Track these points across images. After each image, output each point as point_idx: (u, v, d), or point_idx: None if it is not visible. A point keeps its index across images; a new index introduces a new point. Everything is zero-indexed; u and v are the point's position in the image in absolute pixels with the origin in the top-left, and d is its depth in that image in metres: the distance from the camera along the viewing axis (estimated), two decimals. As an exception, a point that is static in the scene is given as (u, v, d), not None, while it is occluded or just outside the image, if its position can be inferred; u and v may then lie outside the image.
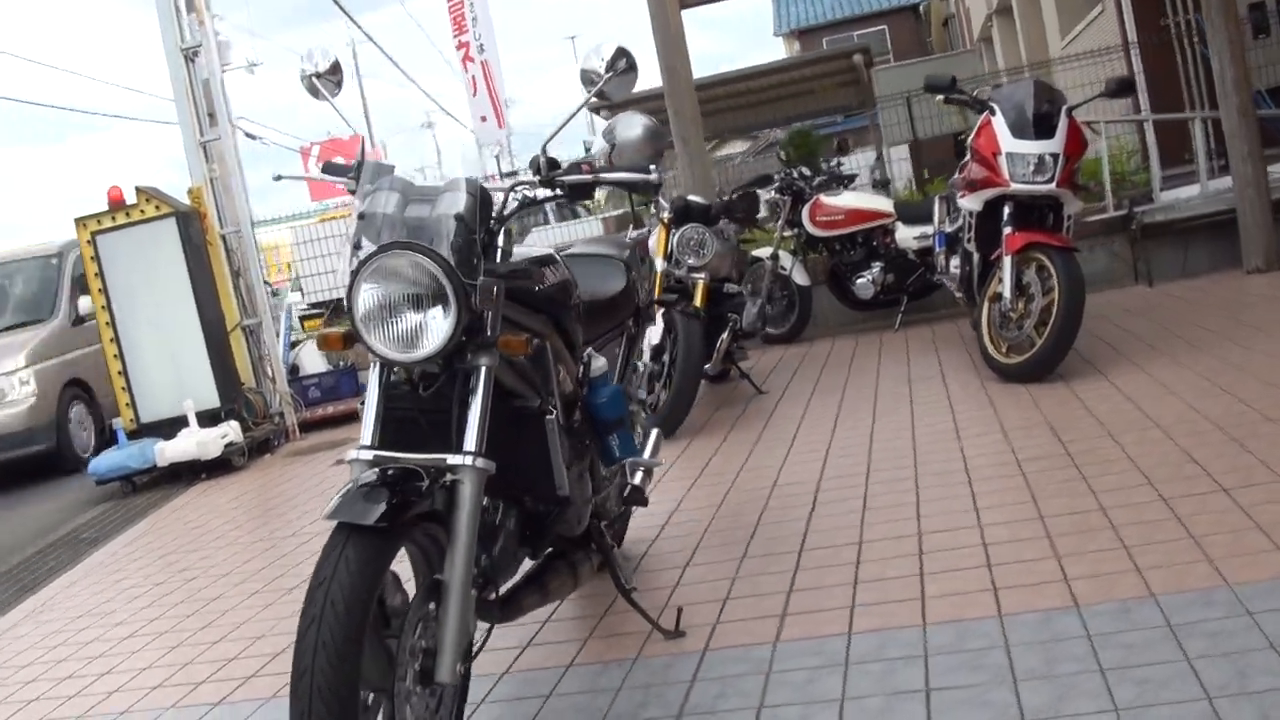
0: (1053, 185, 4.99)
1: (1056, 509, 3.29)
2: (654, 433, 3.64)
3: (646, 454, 3.50)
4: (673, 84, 7.89)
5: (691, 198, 6.14)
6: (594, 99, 2.61)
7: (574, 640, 3.10)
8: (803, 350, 7.49)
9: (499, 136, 12.16)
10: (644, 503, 3.29)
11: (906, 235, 7.32)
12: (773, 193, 8.08)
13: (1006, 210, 5.15)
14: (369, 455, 2.30)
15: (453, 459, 2.27)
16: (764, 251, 8.04)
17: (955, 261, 5.90)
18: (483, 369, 2.33)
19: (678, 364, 5.52)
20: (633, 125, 5.93)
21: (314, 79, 2.63)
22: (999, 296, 5.16)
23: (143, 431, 7.18)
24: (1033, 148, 5.02)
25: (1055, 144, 5.00)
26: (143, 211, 7.22)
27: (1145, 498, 3.23)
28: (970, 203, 5.44)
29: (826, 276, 7.94)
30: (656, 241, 5.94)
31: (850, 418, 5.08)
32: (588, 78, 2.57)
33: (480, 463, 2.27)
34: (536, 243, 14.85)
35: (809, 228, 7.81)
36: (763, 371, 6.86)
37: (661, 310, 5.68)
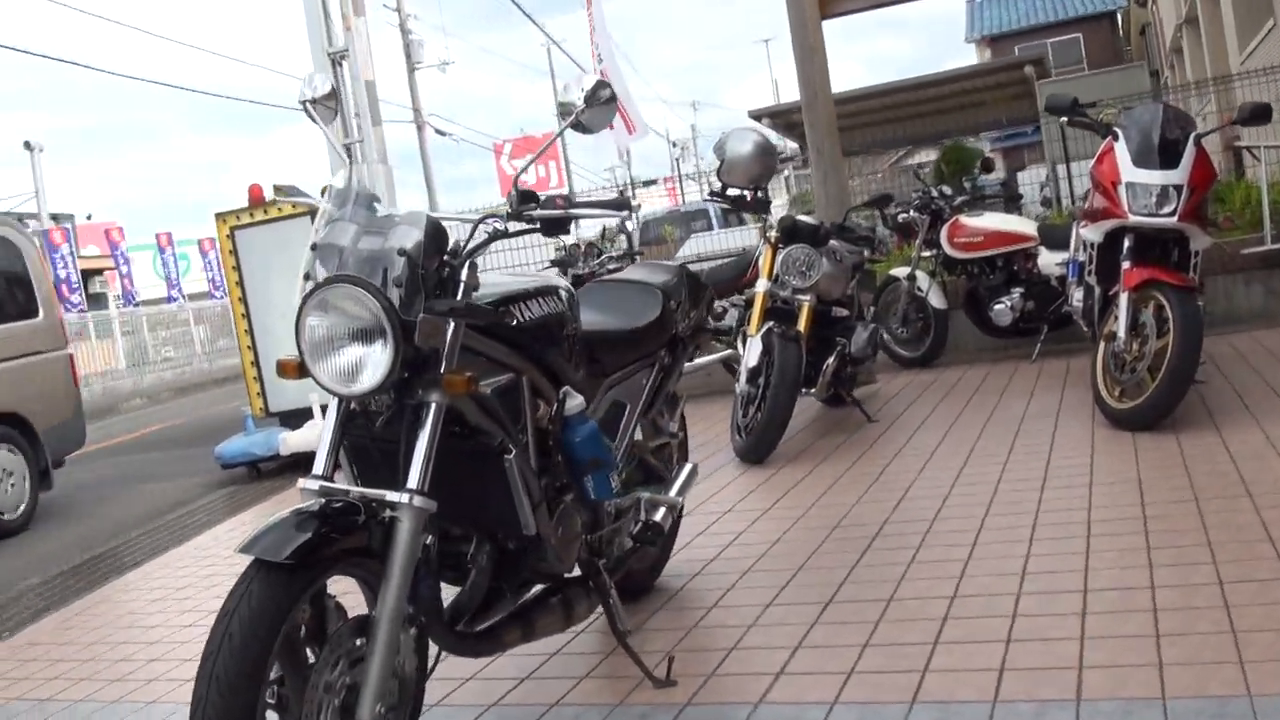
0: (1174, 219, 4.61)
1: (1102, 582, 3.02)
2: (686, 469, 3.54)
3: (674, 490, 3.41)
4: (810, 95, 7.68)
5: (800, 217, 5.95)
6: (572, 129, 2.51)
7: (570, 678, 3.01)
8: (932, 377, 7.18)
9: (628, 142, 12.16)
10: (654, 542, 3.19)
11: (1049, 261, 6.92)
12: (911, 212, 7.80)
13: (1126, 243, 4.80)
14: (315, 485, 2.28)
15: (391, 496, 2.23)
16: (901, 271, 7.77)
17: (1079, 294, 5.54)
18: (432, 405, 2.28)
19: (771, 388, 5.36)
20: (744, 141, 5.89)
21: (309, 104, 2.64)
22: (1114, 335, 4.81)
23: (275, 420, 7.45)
24: (1155, 178, 4.65)
25: (1179, 175, 4.62)
26: (280, 209, 7.50)
27: (1202, 578, 2.93)
28: (1090, 233, 5.09)
29: (964, 300, 7.59)
30: (763, 261, 5.80)
31: (945, 456, 4.83)
32: (566, 109, 2.48)
33: (419, 501, 2.22)
34: (697, 248, 14.80)
35: (947, 249, 7.48)
36: (884, 397, 6.63)
37: (761, 332, 5.55)
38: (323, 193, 2.43)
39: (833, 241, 5.93)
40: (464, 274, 2.35)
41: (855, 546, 3.71)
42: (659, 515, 3.26)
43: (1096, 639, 2.65)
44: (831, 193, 7.75)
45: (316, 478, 2.30)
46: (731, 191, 5.83)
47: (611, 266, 8.84)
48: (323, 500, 2.22)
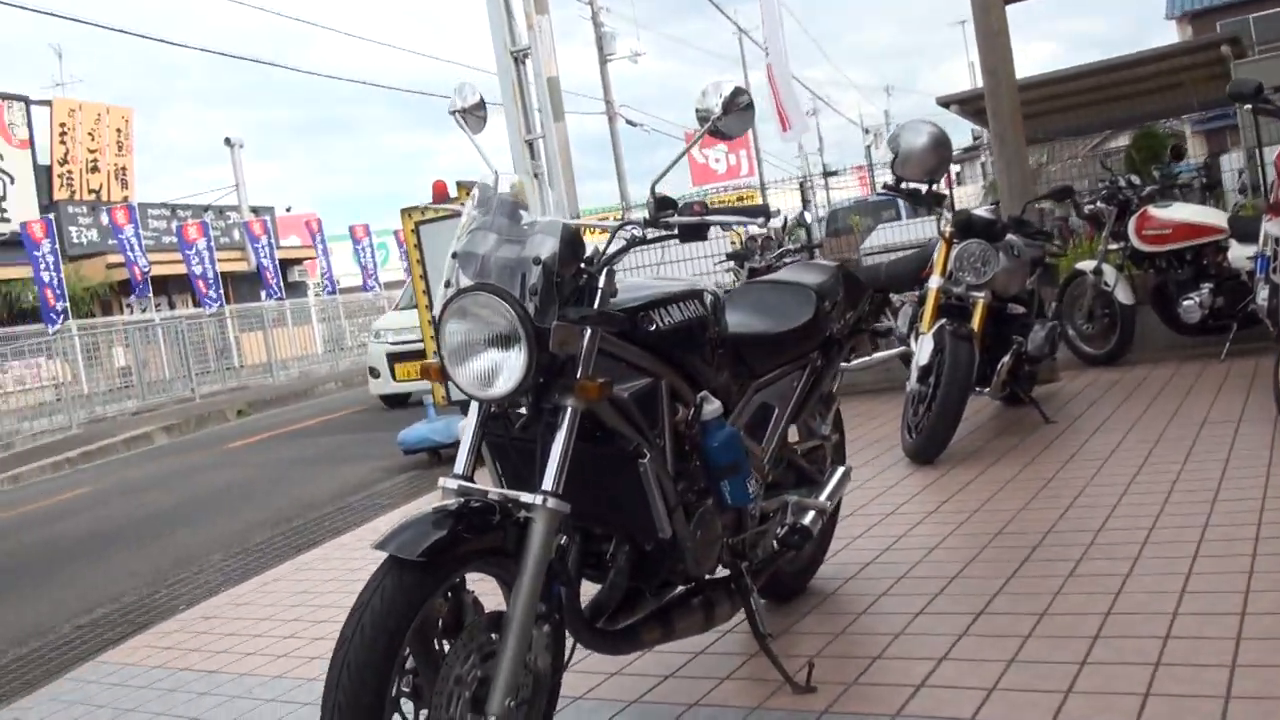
0: (1373, 215, 4.30)
1: (1263, 605, 2.85)
2: (839, 473, 3.50)
3: (825, 494, 3.38)
4: (993, 83, 7.44)
5: (976, 211, 5.78)
6: (710, 135, 2.52)
7: (711, 679, 3.03)
8: (1116, 376, 6.89)
9: (783, 139, 12.01)
10: (800, 546, 3.18)
11: (1240, 255, 6.52)
12: (1097, 203, 7.48)
13: (1320, 240, 4.50)
14: (454, 485, 2.36)
15: (526, 497, 2.29)
16: (1087, 265, 7.47)
17: (1264, 292, 5.22)
18: (568, 409, 2.33)
19: (942, 387, 5.24)
20: (919, 134, 5.78)
21: (460, 114, 2.72)
22: (1303, 337, 4.52)
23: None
24: (1350, 170, 4.35)
25: (1377, 166, 4.31)
26: (463, 204, 7.69)
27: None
28: (1275, 228, 4.79)
29: (1151, 296, 7.24)
30: (937, 257, 5.67)
31: (1118, 463, 4.63)
32: (703, 115, 2.49)
33: (552, 503, 2.27)
34: (883, 239, 14.53)
35: (1134, 241, 7.15)
36: (1065, 397, 6.40)
37: (933, 330, 5.43)
38: (465, 200, 2.50)
39: (1010, 236, 5.74)
40: (601, 281, 2.39)
41: (1014, 556, 3.61)
42: (807, 519, 3.24)
43: (1248, 667, 2.52)
44: (1014, 182, 7.50)
45: (457, 477, 2.38)
46: (906, 185, 5.72)
47: (789, 260, 8.80)
48: (461, 500, 2.30)
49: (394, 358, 12.84)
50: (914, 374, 5.44)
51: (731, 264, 9.82)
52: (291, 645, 3.97)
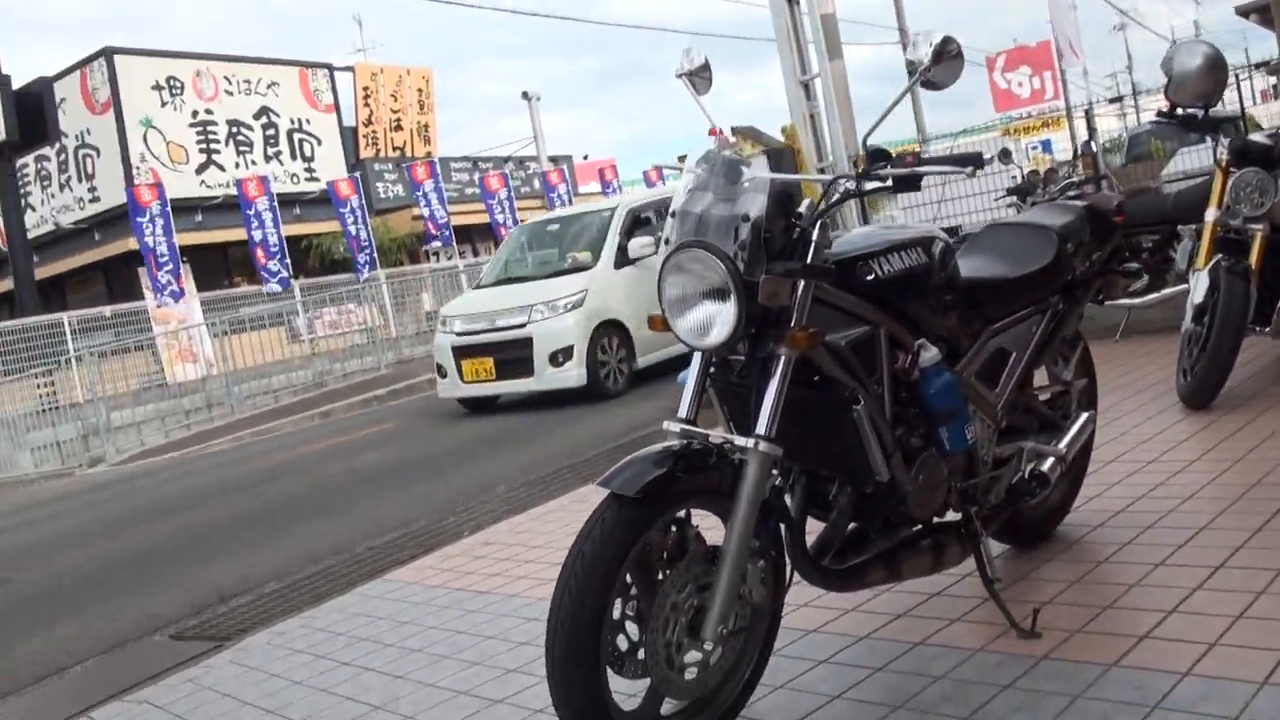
0: None
1: None
2: (1081, 419, 3.45)
3: (1065, 440, 3.34)
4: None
5: (1253, 137, 5.39)
6: (921, 87, 2.54)
7: (941, 620, 3.10)
8: None
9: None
10: (1034, 493, 3.17)
11: None
12: None
13: None
14: (677, 428, 2.53)
15: (740, 440, 2.44)
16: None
17: None
18: (781, 357, 2.45)
19: (1214, 327, 4.98)
20: (1193, 55, 5.51)
21: (688, 77, 2.85)
22: None
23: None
24: None
25: None
26: (739, 150, 7.84)
27: None
28: None
29: None
30: (1214, 187, 5.35)
31: None
32: (913, 67, 2.51)
33: (764, 447, 2.41)
34: (1185, 165, 13.55)
35: None
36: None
37: (1208, 266, 5.15)
38: (681, 160, 2.64)
39: (1292, 161, 5.33)
40: (815, 234, 2.49)
41: (1267, 508, 3.45)
42: (1045, 466, 3.22)
43: None
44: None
45: (680, 420, 2.55)
46: (1180, 110, 5.43)
47: (1073, 193, 8.45)
48: (683, 442, 2.47)
49: (462, 352, 10.73)
50: (1189, 313, 5.19)
51: (1014, 199, 9.51)
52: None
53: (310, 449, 11.24)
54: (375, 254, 21.44)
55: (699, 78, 2.86)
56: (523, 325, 10.38)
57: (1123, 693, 2.44)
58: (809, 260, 2.47)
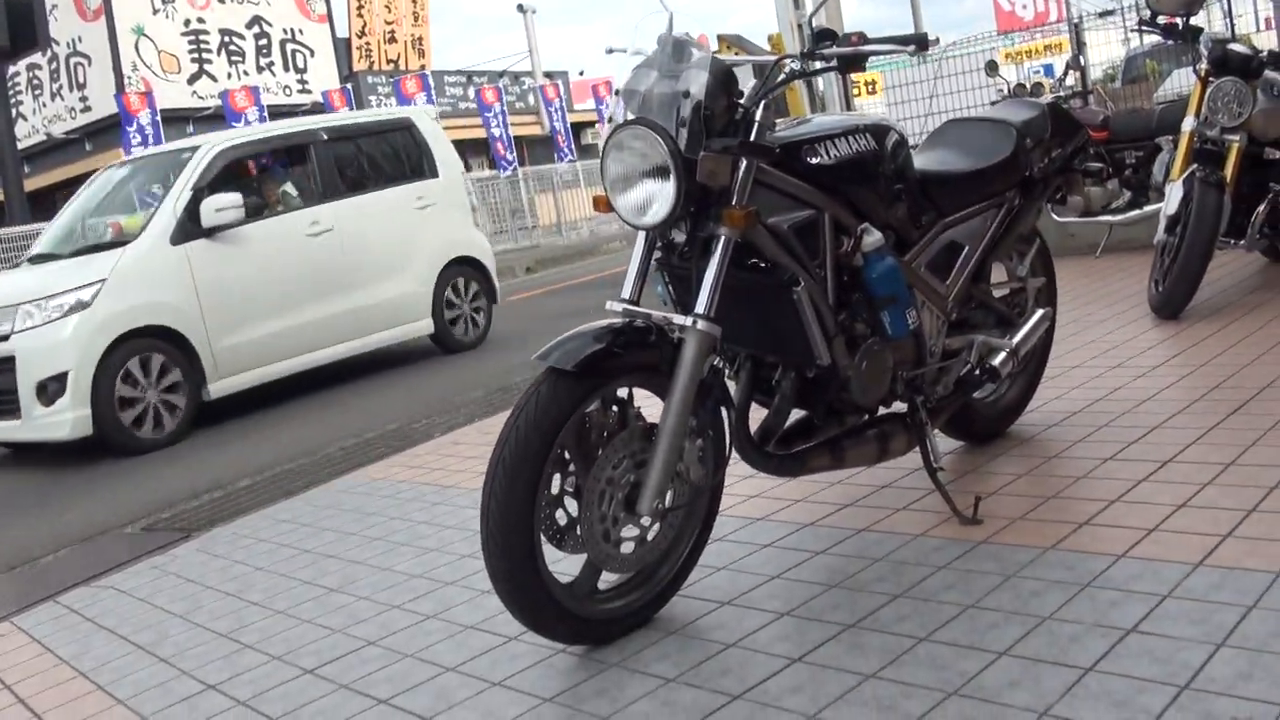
0: None
1: None
2: (1036, 315, 3.46)
3: (1018, 336, 3.35)
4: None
5: (1232, 45, 5.33)
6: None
7: (886, 509, 3.13)
8: None
9: None
10: (981, 385, 3.20)
11: None
12: None
13: None
14: (619, 307, 2.54)
15: (678, 319, 2.44)
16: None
17: None
18: (720, 237, 2.45)
19: (1185, 238, 4.97)
20: (1174, -35, 5.38)
21: None
22: None
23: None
24: None
25: None
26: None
27: None
28: None
29: None
30: (1192, 97, 5.31)
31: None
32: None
33: (703, 325, 2.41)
34: (1178, 85, 13.41)
35: None
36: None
37: (1183, 177, 5.13)
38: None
39: (1270, 73, 5.28)
40: (758, 114, 2.47)
41: (1223, 409, 3.47)
42: (996, 360, 3.23)
43: None
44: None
45: (622, 300, 2.55)
46: (1162, 19, 5.38)
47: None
48: (624, 319, 2.48)
49: None
50: (1162, 224, 5.19)
51: (983, 111, 9.44)
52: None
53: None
54: (367, 167, 21.27)
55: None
56: (5, 338, 6.72)
57: (1055, 573, 2.47)
58: (751, 139, 2.46)
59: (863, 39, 2.51)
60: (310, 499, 4.51)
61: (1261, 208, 5.25)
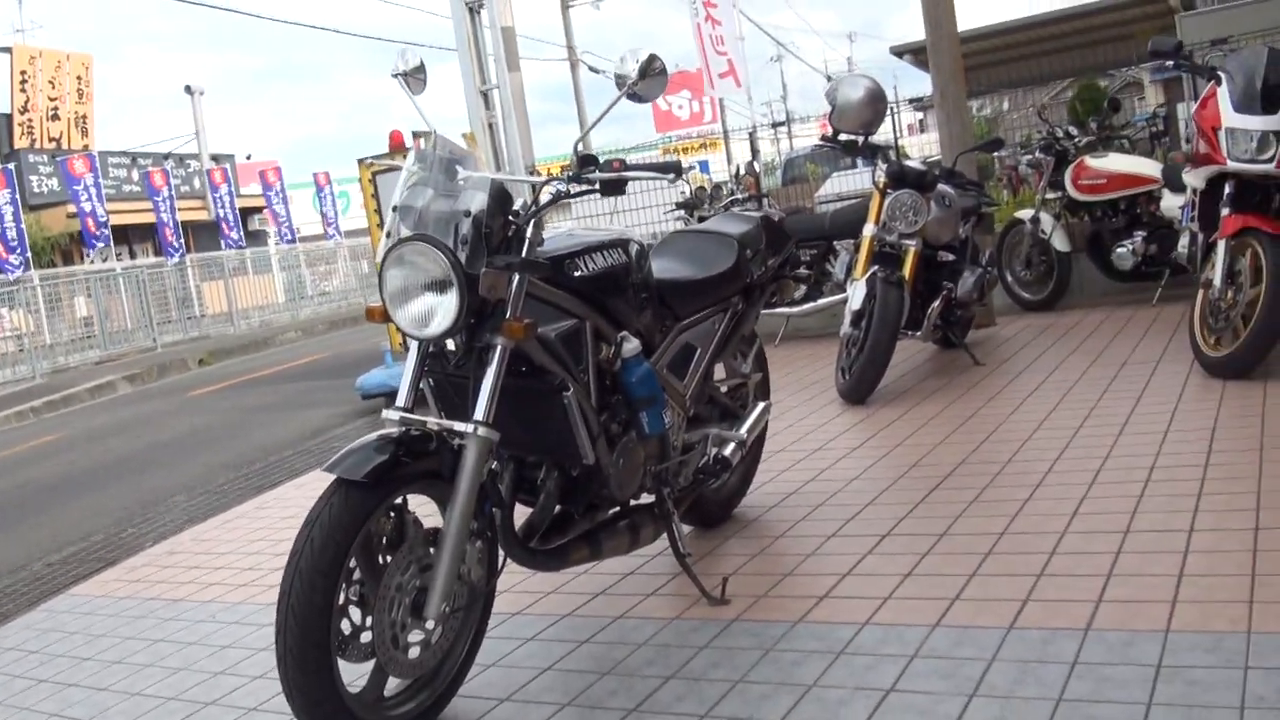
0: (1273, 165, 4.59)
1: (1144, 524, 3.16)
2: (759, 408, 3.77)
3: (744, 427, 3.64)
4: (935, 37, 7.66)
5: (907, 163, 6.03)
6: (628, 99, 2.75)
7: (638, 595, 3.30)
8: (1050, 320, 7.21)
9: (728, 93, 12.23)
10: (718, 475, 3.46)
11: (1172, 204, 6.81)
12: (1036, 153, 7.77)
13: (1226, 190, 4.79)
14: (396, 415, 2.61)
15: (459, 426, 2.55)
16: (1025, 213, 7.76)
17: (1185, 240, 5.53)
18: (497, 347, 2.58)
19: (871, 331, 5.52)
20: (856, 88, 6.03)
21: (403, 77, 2.93)
22: (1210, 282, 4.83)
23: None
24: (1256, 124, 4.61)
25: (1280, 121, 4.59)
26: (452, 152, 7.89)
27: (1238, 524, 3.05)
28: (1193, 179, 5.09)
29: (1087, 243, 7.54)
30: (871, 206, 5.93)
31: (1037, 401, 4.93)
32: (621, 81, 2.72)
33: (483, 431, 2.53)
34: (838, 187, 14.73)
35: (1071, 191, 7.42)
36: (998, 340, 6.71)
37: (865, 276, 5.70)
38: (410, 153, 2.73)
39: (942, 186, 6.00)
40: (529, 232, 2.64)
41: (925, 485, 3.90)
42: (727, 450, 3.52)
43: (1121, 576, 2.81)
44: (955, 134, 7.75)
45: (399, 409, 2.63)
46: (843, 137, 5.98)
47: (737, 209, 9.01)
48: (402, 429, 2.55)
49: None
50: (847, 318, 5.72)
51: (681, 213, 10.04)
52: (252, 576, 4.22)
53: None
54: (29, 253, 19.82)
55: (414, 78, 2.94)
56: None
57: (809, 643, 2.72)
58: (524, 255, 2.62)
59: (624, 165, 2.73)
60: (29, 623, 4.19)
61: (936, 303, 5.91)
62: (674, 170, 2.77)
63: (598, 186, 2.74)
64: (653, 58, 2.69)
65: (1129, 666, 2.32)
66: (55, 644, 3.86)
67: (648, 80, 2.71)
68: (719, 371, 3.83)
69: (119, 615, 4.04)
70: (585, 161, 2.74)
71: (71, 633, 3.94)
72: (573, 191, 2.73)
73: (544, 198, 2.70)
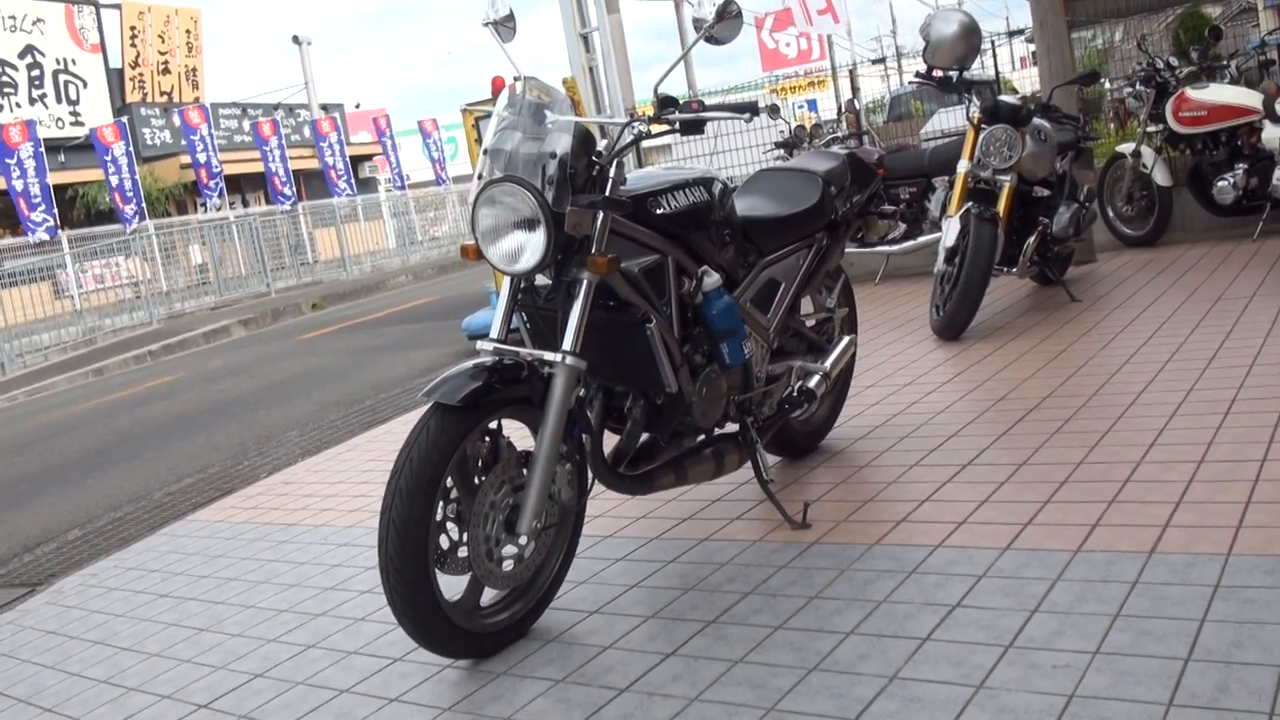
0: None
1: (1220, 455, 3.20)
2: (844, 341, 3.86)
3: (829, 360, 3.75)
4: (1035, -33, 7.55)
5: (1002, 97, 5.99)
6: (705, 42, 2.85)
7: (723, 519, 3.45)
8: (1151, 256, 7.11)
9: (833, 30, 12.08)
10: (802, 405, 3.58)
11: (1274, 135, 6.65)
12: (1136, 85, 7.62)
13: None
14: (489, 346, 2.78)
15: (549, 355, 2.71)
16: (1126, 147, 7.63)
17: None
18: (583, 281, 2.73)
19: (964, 268, 5.54)
20: (949, 23, 6.02)
21: (493, 25, 3.07)
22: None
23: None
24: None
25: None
26: (541, 95, 8.04)
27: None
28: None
29: (1188, 177, 7.40)
30: (965, 142, 5.92)
31: (1129, 336, 4.92)
32: (699, 24, 2.82)
33: (570, 360, 2.68)
34: (941, 125, 14.54)
35: (1172, 123, 7.28)
36: (1097, 277, 6.66)
37: (959, 213, 5.71)
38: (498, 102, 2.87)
39: (1037, 120, 5.96)
40: (612, 171, 2.77)
41: (1010, 418, 3.96)
42: (811, 382, 3.64)
43: (1190, 503, 2.87)
44: (1055, 66, 7.62)
45: (492, 340, 2.80)
46: (937, 73, 5.97)
47: (837, 148, 9.00)
48: (495, 358, 2.72)
49: None
50: (941, 255, 5.74)
51: (781, 151, 10.05)
52: (363, 502, 4.47)
53: (92, 404, 10.88)
54: (144, 204, 20.57)
55: (504, 26, 3.07)
56: None
57: (883, 564, 2.84)
58: (607, 194, 2.75)
59: (702, 106, 2.84)
60: (150, 545, 4.52)
61: (1031, 239, 5.90)
62: (750, 110, 2.87)
63: (677, 127, 2.85)
64: (729, 1, 2.78)
65: (1188, 587, 2.40)
66: (175, 564, 4.16)
67: (724, 23, 2.81)
68: (805, 305, 3.93)
69: (235, 538, 4.33)
70: (665, 103, 2.85)
71: (190, 554, 4.24)
72: (653, 132, 2.85)
73: (625, 139, 2.83)
